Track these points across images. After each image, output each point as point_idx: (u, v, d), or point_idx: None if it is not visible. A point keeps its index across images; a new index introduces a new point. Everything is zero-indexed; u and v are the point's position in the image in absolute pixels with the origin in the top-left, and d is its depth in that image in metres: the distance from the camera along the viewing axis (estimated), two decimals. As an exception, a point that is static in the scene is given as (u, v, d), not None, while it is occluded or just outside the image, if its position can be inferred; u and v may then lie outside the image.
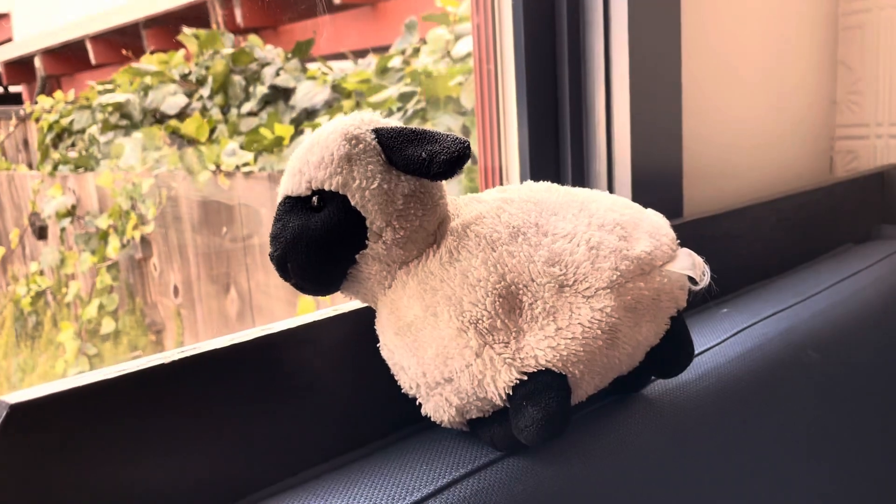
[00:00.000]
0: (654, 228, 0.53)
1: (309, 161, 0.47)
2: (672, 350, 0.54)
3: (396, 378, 0.50)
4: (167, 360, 0.45)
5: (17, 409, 0.40)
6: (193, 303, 2.09)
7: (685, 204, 0.89)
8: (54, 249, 2.48)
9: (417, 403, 0.50)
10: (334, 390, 0.53)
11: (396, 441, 0.54)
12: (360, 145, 0.47)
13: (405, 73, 1.76)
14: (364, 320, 0.52)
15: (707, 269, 0.52)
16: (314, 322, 0.51)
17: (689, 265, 0.52)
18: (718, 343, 0.69)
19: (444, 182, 0.50)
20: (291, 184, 0.48)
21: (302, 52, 2.09)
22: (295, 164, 0.48)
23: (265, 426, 0.49)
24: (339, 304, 0.55)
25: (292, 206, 0.48)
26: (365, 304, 0.52)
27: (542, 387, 0.45)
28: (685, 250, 0.53)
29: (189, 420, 0.46)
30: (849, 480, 0.80)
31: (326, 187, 0.46)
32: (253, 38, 2.12)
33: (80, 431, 0.42)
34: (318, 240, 0.46)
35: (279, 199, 0.49)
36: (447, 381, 0.47)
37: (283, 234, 0.47)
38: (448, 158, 0.45)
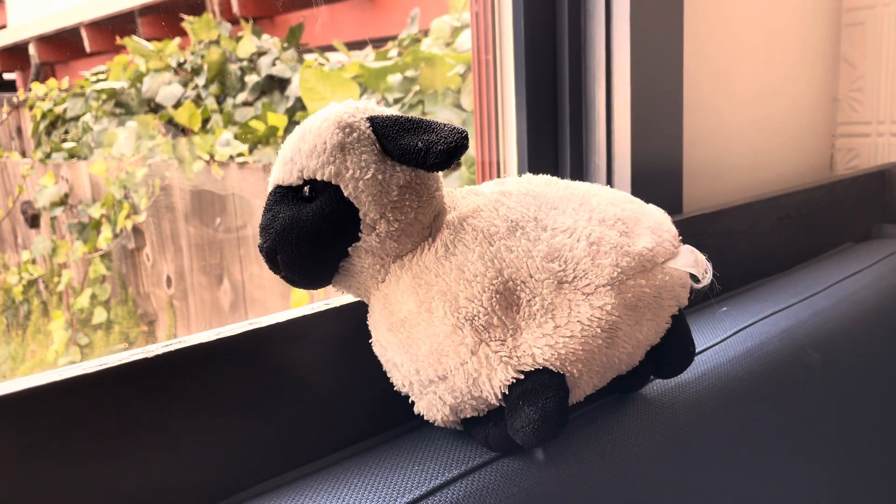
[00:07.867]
0: (655, 224, 0.52)
1: (301, 149, 0.46)
2: (673, 349, 0.53)
3: (389, 375, 0.49)
4: (151, 355, 0.43)
5: (-8, 405, 0.39)
6: (186, 294, 2.07)
7: (685, 200, 0.88)
8: (46, 238, 2.45)
9: (410, 401, 0.49)
10: (324, 387, 0.52)
11: (388, 440, 0.53)
12: (354, 134, 0.45)
13: (405, 55, 1.73)
14: (356, 315, 0.51)
15: (709, 266, 0.52)
16: (304, 316, 0.50)
17: (692, 262, 0.51)
18: (718, 342, 0.68)
19: (440, 173, 0.48)
20: (282, 172, 0.46)
21: (295, 37, 2.07)
22: (286, 153, 0.46)
23: (251, 423, 0.48)
24: (333, 297, 0.53)
25: (283, 195, 0.46)
26: (357, 299, 0.51)
27: (539, 386, 0.44)
28: (687, 247, 0.52)
29: (172, 416, 0.45)
30: (850, 481, 0.79)
31: (318, 177, 0.45)
32: (246, 27, 2.10)
33: (60, 428, 0.41)
34: (310, 231, 0.45)
35: (270, 188, 0.47)
36: (441, 378, 0.46)
37: (272, 224, 0.45)
38: (445, 149, 0.44)
